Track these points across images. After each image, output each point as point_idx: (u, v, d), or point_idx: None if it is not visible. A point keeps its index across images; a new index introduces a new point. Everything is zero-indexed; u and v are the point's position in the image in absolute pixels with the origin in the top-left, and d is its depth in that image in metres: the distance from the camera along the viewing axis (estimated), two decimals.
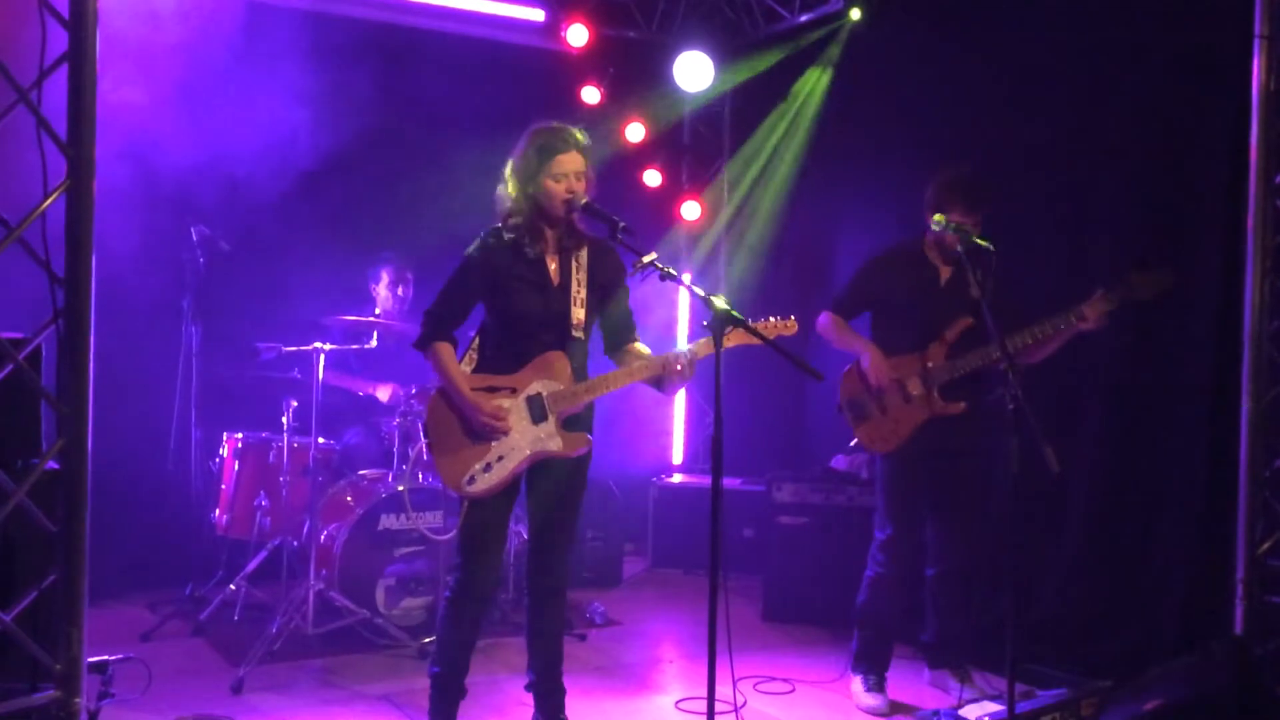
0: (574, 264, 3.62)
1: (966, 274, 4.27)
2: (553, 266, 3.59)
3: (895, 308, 4.44)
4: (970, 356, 4.23)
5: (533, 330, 3.57)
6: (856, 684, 4.42)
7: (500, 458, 3.53)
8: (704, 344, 3.46)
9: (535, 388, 3.56)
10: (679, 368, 3.52)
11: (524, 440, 3.55)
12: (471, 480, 3.50)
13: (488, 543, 3.59)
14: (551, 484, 3.65)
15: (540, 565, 3.70)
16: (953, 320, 4.31)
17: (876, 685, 4.38)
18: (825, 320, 4.49)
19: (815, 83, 6.51)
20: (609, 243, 3.60)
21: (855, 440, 4.47)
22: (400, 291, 5.77)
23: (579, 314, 3.60)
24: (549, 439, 3.56)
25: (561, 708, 3.74)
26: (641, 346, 3.74)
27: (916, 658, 4.71)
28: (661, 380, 3.58)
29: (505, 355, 3.59)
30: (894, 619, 4.45)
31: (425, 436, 3.61)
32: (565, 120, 3.63)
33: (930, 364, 4.31)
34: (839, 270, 6.20)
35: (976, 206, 4.20)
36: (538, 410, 3.56)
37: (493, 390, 3.55)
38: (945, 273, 4.40)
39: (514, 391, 3.56)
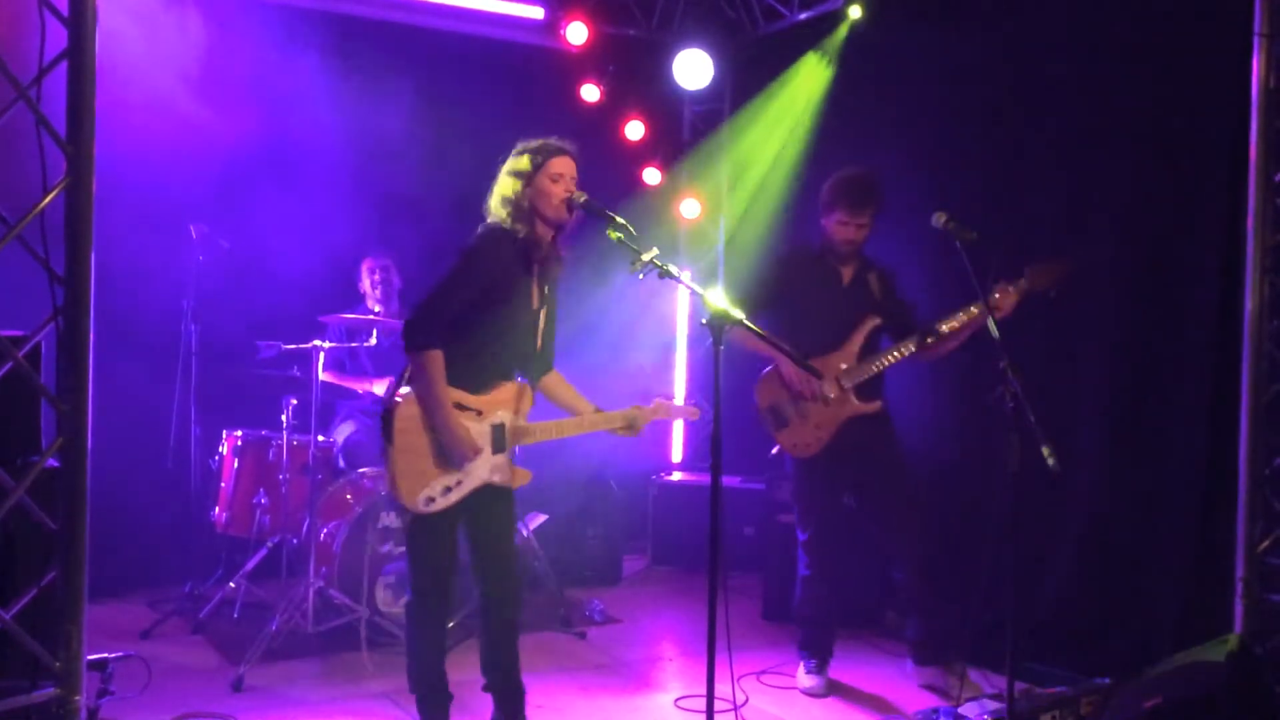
0: (544, 291, 3.62)
1: (867, 275, 4.49)
2: (534, 289, 3.58)
3: (802, 308, 4.52)
4: (882, 356, 4.38)
5: (505, 350, 3.55)
6: (800, 668, 4.59)
7: (459, 482, 3.47)
8: (651, 410, 3.68)
9: (501, 417, 3.52)
10: (625, 429, 3.65)
11: (482, 469, 3.50)
12: (430, 501, 3.42)
13: (441, 560, 3.53)
14: (492, 510, 3.59)
15: (492, 583, 3.63)
16: (858, 320, 4.43)
17: (817, 669, 4.55)
18: None
19: (814, 78, 6.50)
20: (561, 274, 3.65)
21: (776, 448, 4.55)
22: (378, 276, 5.76)
23: (541, 343, 3.64)
24: (501, 470, 3.53)
25: (522, 709, 3.69)
26: (556, 380, 3.75)
27: (906, 657, 4.73)
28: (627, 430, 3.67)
29: (473, 371, 3.48)
30: (830, 611, 4.59)
31: (390, 443, 3.39)
32: (564, 117, 3.64)
33: (844, 365, 4.39)
34: None
35: (858, 207, 4.36)
36: (499, 441, 3.52)
37: (461, 409, 3.45)
38: (846, 274, 4.51)
39: (479, 415, 3.49)
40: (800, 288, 4.52)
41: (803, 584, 4.59)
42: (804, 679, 4.54)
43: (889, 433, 4.52)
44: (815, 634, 4.59)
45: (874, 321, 4.43)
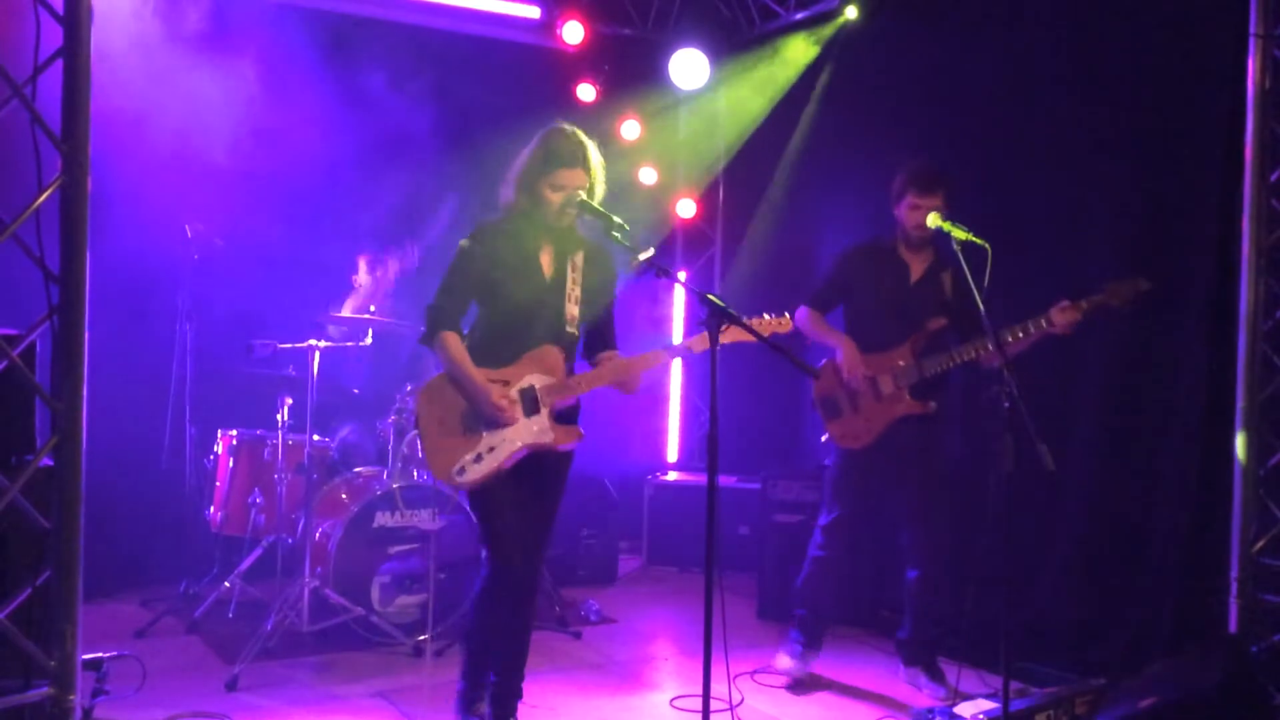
0: (570, 262, 3.62)
1: (939, 273, 4.43)
2: (546, 260, 3.59)
3: (867, 303, 4.52)
4: (939, 358, 4.32)
5: (525, 323, 3.56)
6: (783, 653, 4.61)
7: (491, 449, 3.51)
8: (700, 339, 3.50)
9: (528, 380, 3.55)
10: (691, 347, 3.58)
11: (516, 433, 3.53)
12: (461, 471, 3.49)
13: (509, 524, 3.54)
14: (535, 477, 3.62)
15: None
16: (924, 318, 4.39)
17: (801, 654, 4.57)
18: (802, 314, 4.56)
19: (811, 77, 6.50)
20: (606, 247, 3.61)
21: (826, 436, 4.53)
22: (379, 274, 5.74)
23: (572, 310, 3.60)
24: (542, 432, 3.55)
25: (514, 711, 3.69)
26: (619, 357, 3.72)
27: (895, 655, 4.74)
28: (627, 383, 3.60)
29: (497, 348, 3.57)
30: (829, 598, 4.59)
31: (416, 426, 3.58)
32: (560, 117, 3.63)
33: (902, 362, 4.38)
34: None
35: (929, 189, 4.31)
36: (529, 403, 3.54)
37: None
38: (917, 270, 4.49)
39: (506, 384, 3.54)
40: (868, 282, 4.51)
41: (812, 563, 4.56)
42: (783, 660, 4.56)
43: (939, 437, 4.47)
44: (810, 619, 4.58)
45: (939, 322, 4.36)
